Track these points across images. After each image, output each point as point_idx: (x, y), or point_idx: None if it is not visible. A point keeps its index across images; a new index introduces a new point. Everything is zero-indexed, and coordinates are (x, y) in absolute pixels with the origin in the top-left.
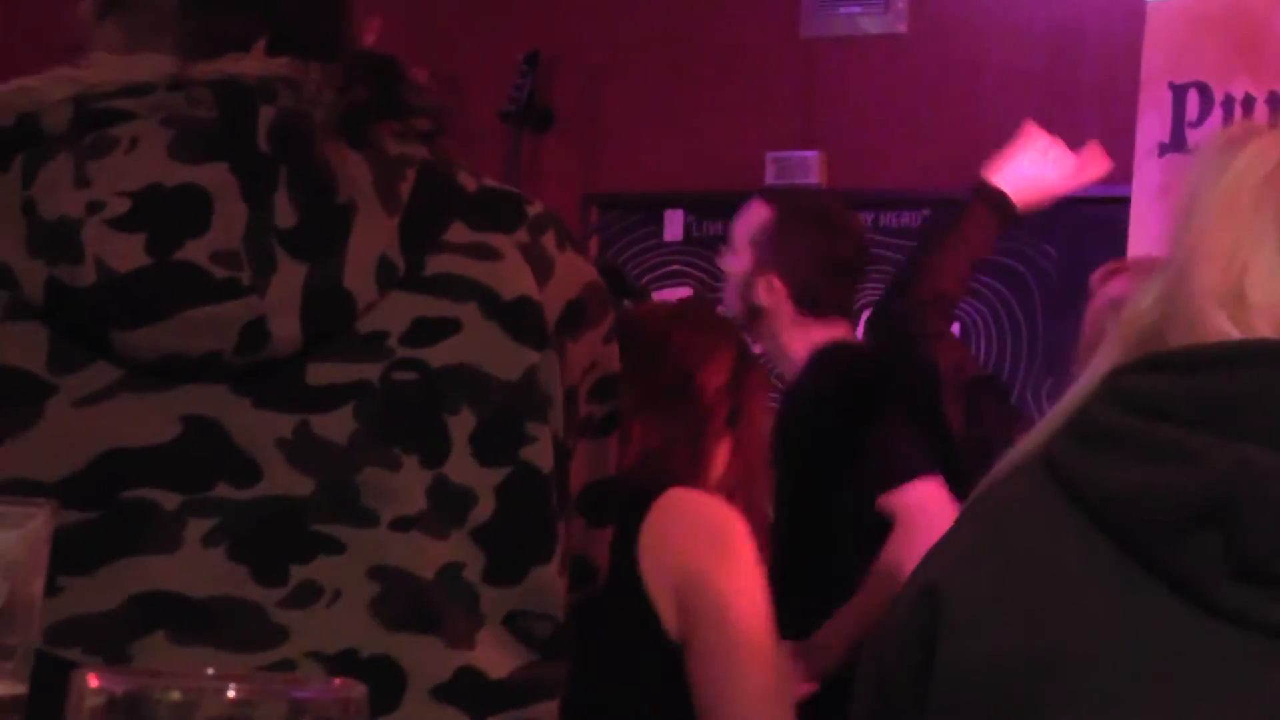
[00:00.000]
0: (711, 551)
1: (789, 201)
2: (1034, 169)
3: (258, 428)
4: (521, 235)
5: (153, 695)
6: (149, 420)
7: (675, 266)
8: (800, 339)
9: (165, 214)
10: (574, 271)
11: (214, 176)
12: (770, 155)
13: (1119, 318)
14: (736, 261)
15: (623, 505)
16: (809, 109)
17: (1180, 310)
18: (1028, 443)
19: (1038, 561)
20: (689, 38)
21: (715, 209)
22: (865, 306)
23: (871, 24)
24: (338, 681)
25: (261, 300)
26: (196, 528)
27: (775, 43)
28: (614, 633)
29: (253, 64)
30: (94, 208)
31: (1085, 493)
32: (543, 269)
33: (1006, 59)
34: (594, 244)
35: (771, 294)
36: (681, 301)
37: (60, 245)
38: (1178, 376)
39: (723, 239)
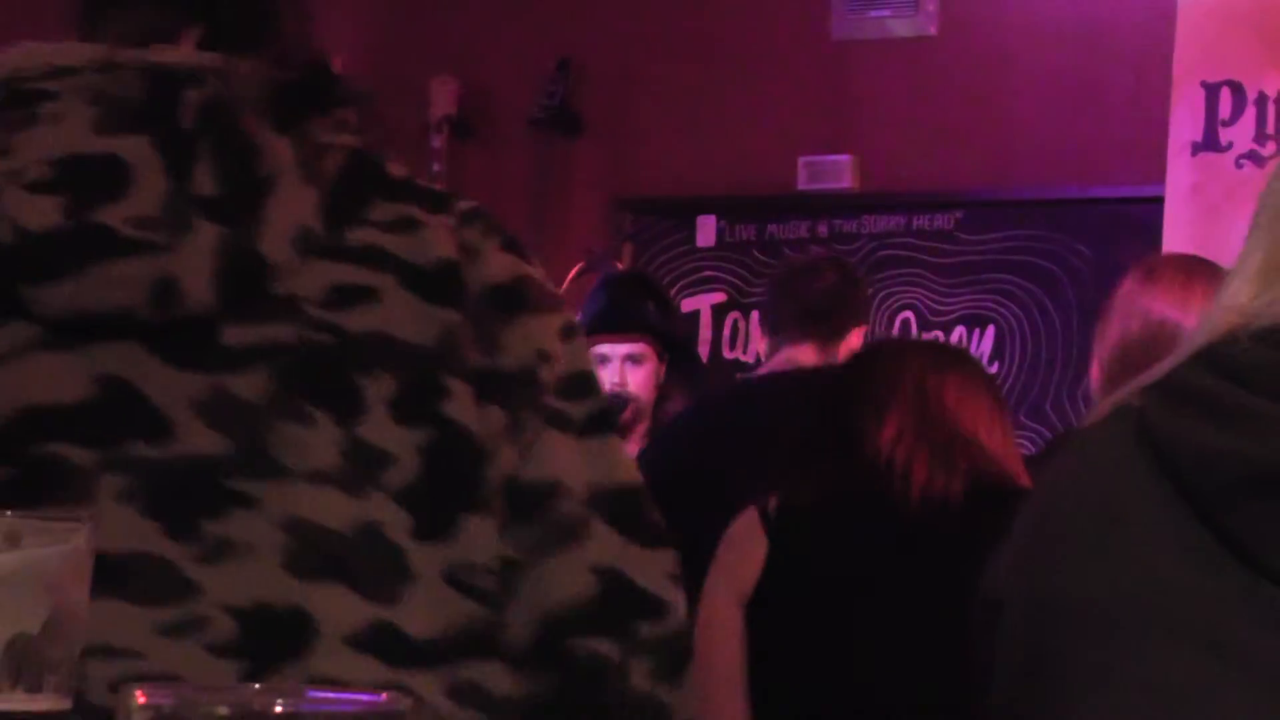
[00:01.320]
0: None
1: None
2: None
3: (172, 386)
4: (446, 219)
5: (199, 710)
6: (64, 378)
7: (708, 272)
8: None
9: (84, 180)
10: (502, 261)
11: (135, 148)
12: (802, 159)
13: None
14: None
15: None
16: (840, 112)
17: None
18: (1128, 391)
19: (1114, 514)
20: (719, 42)
21: (747, 214)
22: (904, 308)
23: (901, 26)
24: (385, 695)
25: (174, 258)
26: (110, 485)
27: (805, 46)
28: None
29: (182, 54)
30: (12, 175)
31: (1159, 446)
32: (465, 250)
33: (1037, 59)
34: (627, 251)
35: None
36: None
37: None
38: (1266, 349)
39: (755, 244)
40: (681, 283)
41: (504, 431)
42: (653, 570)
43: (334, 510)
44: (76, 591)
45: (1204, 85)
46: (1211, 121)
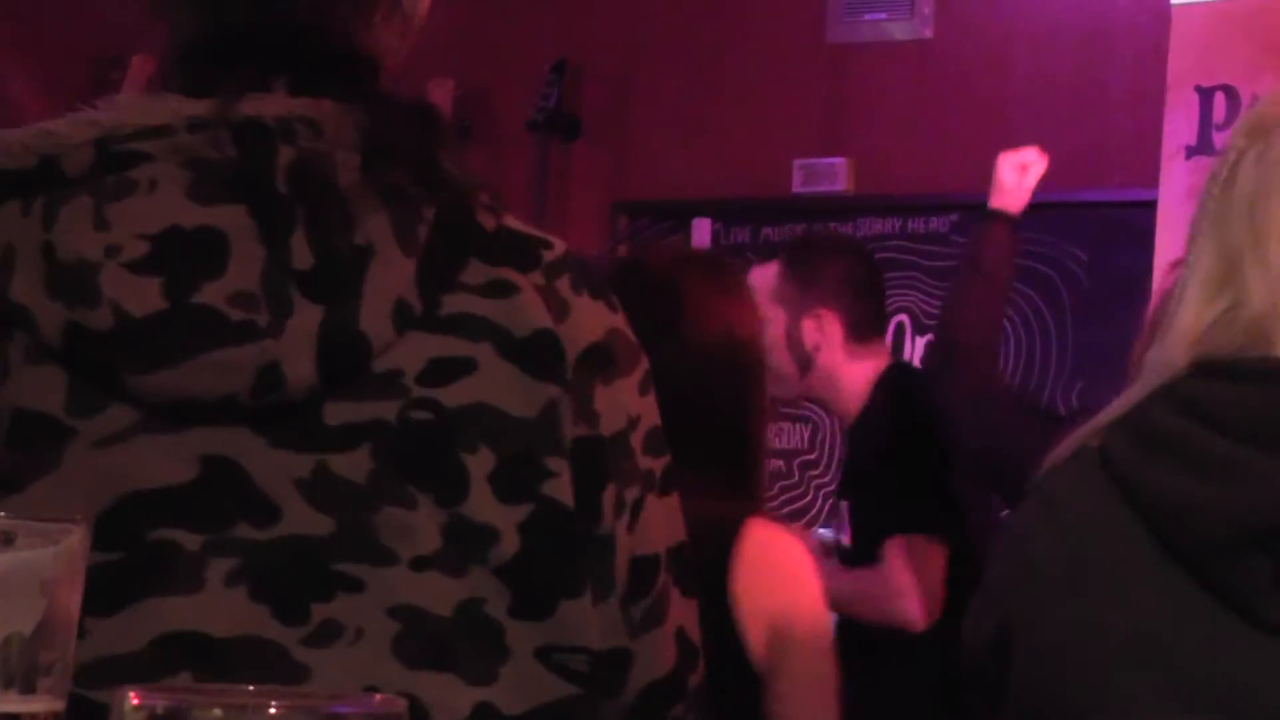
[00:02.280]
0: (796, 587)
1: (790, 245)
2: (1007, 179)
3: (276, 467)
4: (536, 277)
5: (194, 712)
6: (168, 461)
7: None
8: (858, 371)
9: (182, 257)
10: (593, 316)
11: (232, 218)
12: (798, 162)
13: (1169, 319)
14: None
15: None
16: (836, 115)
17: (1268, 315)
18: (1085, 433)
19: (1092, 559)
20: (715, 45)
21: (743, 216)
22: (899, 311)
23: (898, 30)
24: (379, 697)
25: (277, 343)
26: (218, 568)
27: (802, 49)
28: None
29: (272, 104)
30: (112, 251)
31: (1138, 496)
32: (557, 309)
33: (1033, 63)
34: (623, 253)
35: (821, 330)
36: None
37: (78, 288)
38: (1237, 387)
39: (750, 246)
40: None
41: (614, 510)
42: (694, 620)
43: (438, 594)
44: (70, 593)
45: (1198, 90)
46: (1205, 126)
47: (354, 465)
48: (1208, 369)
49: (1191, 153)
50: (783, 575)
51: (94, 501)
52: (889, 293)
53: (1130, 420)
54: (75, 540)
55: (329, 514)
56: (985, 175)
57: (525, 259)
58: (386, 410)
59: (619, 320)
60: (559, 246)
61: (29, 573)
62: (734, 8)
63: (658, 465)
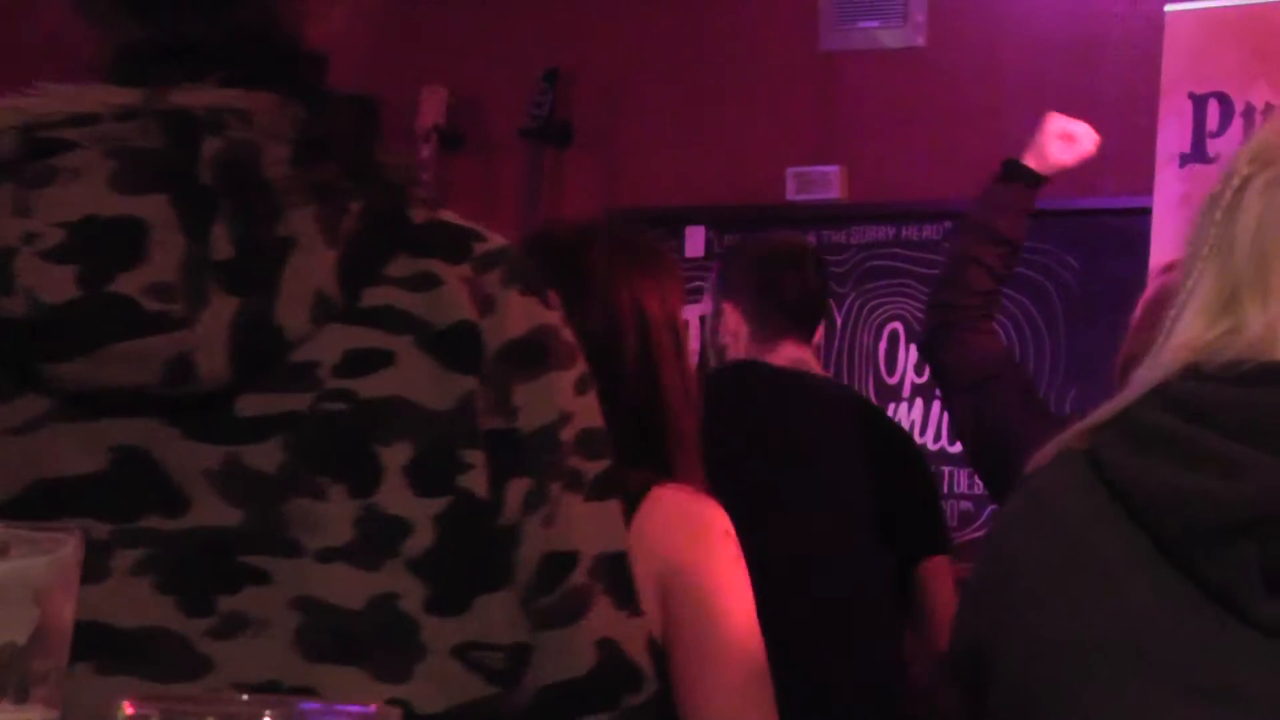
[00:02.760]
0: (694, 547)
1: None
2: (1041, 142)
3: (187, 458)
4: (464, 269)
5: None
6: (79, 451)
7: (697, 283)
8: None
9: (99, 246)
10: (522, 311)
11: (153, 208)
12: (791, 170)
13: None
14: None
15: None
16: (829, 123)
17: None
18: (1068, 437)
19: (1079, 554)
20: (708, 53)
21: (736, 224)
22: (892, 319)
23: (890, 37)
24: (375, 707)
25: (190, 335)
26: (124, 558)
27: (794, 57)
28: None
29: (203, 95)
30: (29, 238)
31: (1126, 490)
32: (483, 303)
33: (1026, 70)
34: None
35: (728, 326)
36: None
37: None
38: (1225, 387)
39: None
40: None
41: (527, 503)
42: (639, 641)
43: (346, 587)
44: (64, 603)
45: (1191, 97)
46: (1199, 133)
47: (265, 457)
48: (1196, 373)
49: (1185, 160)
50: (682, 534)
51: (4, 489)
52: (882, 300)
53: (1118, 421)
54: (69, 549)
55: (239, 505)
56: (979, 183)
57: (455, 251)
58: (300, 402)
59: (553, 317)
60: (495, 240)
61: (22, 582)
62: (727, 16)
63: (591, 468)
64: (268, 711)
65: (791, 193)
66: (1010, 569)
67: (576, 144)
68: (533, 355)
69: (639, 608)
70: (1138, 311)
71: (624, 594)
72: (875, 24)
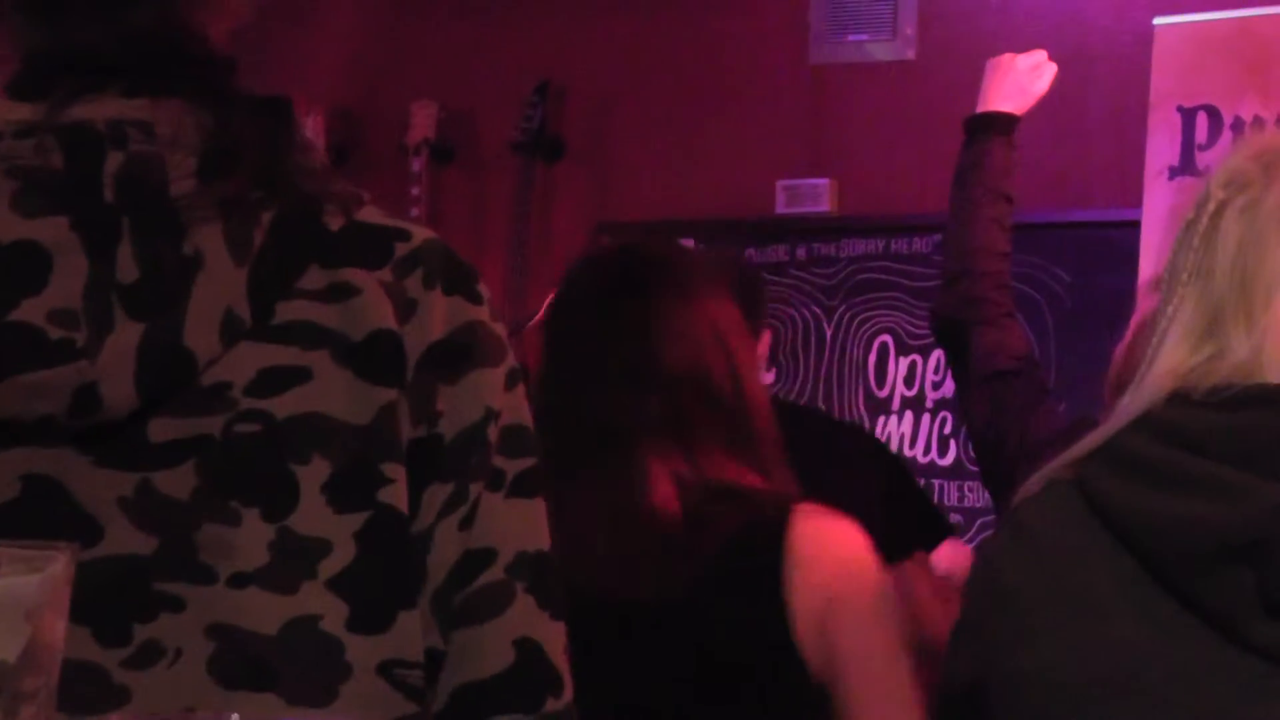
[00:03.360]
0: (850, 577)
1: None
2: (1007, 79)
3: (99, 486)
4: (384, 274)
5: None
6: None
7: None
8: None
9: (1, 272)
10: (445, 311)
11: (54, 231)
12: (781, 183)
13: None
14: None
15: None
16: (819, 136)
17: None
18: (1056, 466)
19: (1071, 587)
20: (698, 66)
21: (726, 237)
22: (882, 331)
23: (880, 51)
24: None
25: (93, 365)
26: None
27: (785, 71)
28: (749, 677)
29: (104, 107)
30: None
31: (1118, 519)
32: (403, 308)
33: None
34: None
35: None
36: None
37: None
38: (1215, 412)
39: None
40: None
41: (444, 507)
42: (558, 644)
43: (261, 613)
44: (54, 620)
45: (1180, 110)
46: (1188, 146)
47: (178, 482)
48: (1183, 399)
49: (1175, 173)
50: (837, 564)
51: None
52: (871, 313)
53: (1107, 449)
54: (59, 567)
55: (152, 533)
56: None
57: (373, 256)
58: (212, 425)
59: (480, 312)
60: (418, 237)
61: (13, 600)
62: (717, 30)
63: (512, 466)
64: None
65: (781, 206)
66: (1000, 605)
67: (567, 157)
68: (455, 356)
69: (562, 611)
70: (1129, 331)
71: (545, 595)
72: (865, 37)
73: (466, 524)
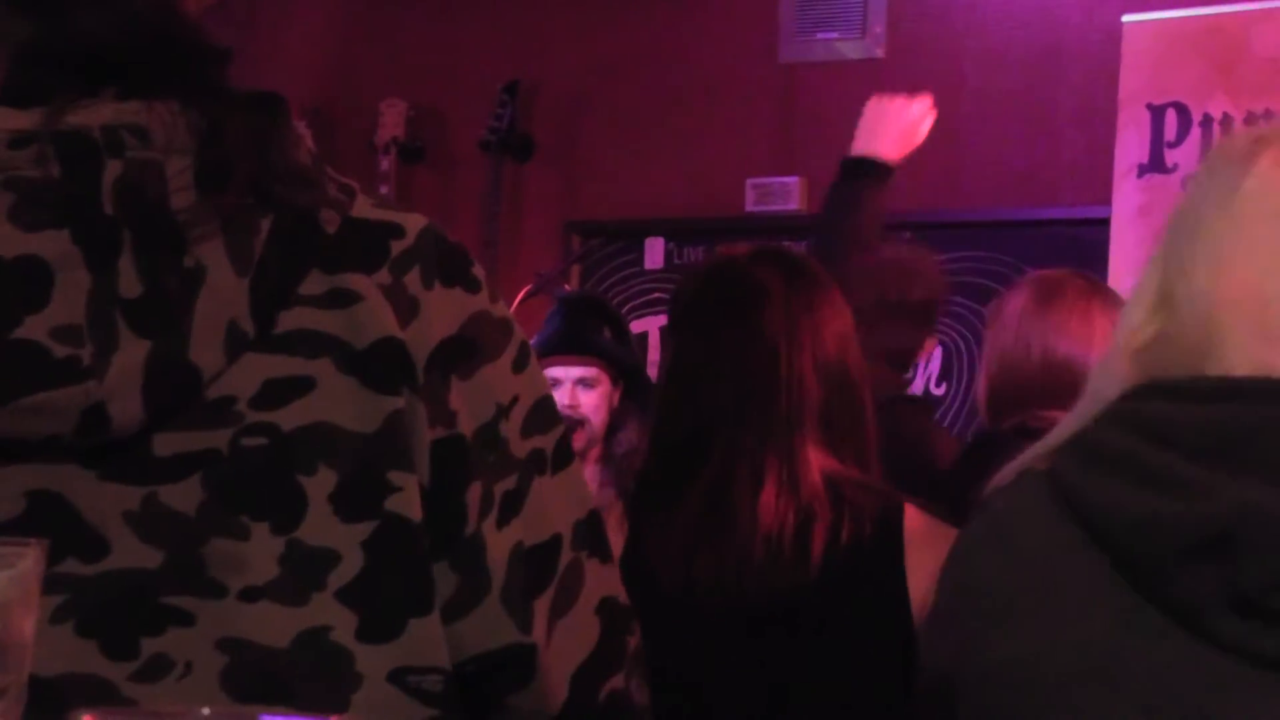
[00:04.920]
0: None
1: None
2: (894, 125)
3: (105, 501)
4: (383, 276)
5: None
6: None
7: (656, 294)
8: None
9: (3, 289)
10: (447, 307)
11: (55, 245)
12: (750, 182)
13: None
14: None
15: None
16: (788, 135)
17: (1203, 338)
18: (1032, 455)
19: (1043, 580)
20: (668, 65)
21: (696, 236)
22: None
23: (850, 49)
24: (335, 717)
25: (100, 385)
26: (44, 605)
27: (754, 69)
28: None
29: (100, 112)
30: None
31: (1088, 513)
32: (405, 310)
33: (984, 82)
34: (576, 272)
35: None
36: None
37: None
38: (1187, 405)
39: None
40: (630, 305)
41: (484, 505)
42: (616, 583)
43: (272, 626)
44: (24, 617)
45: (1150, 108)
46: (1157, 143)
47: (185, 496)
48: (1154, 390)
49: (1144, 170)
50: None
51: None
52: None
53: (1079, 441)
54: (29, 563)
55: (158, 547)
56: (938, 194)
57: (370, 258)
58: (218, 439)
59: (480, 301)
60: (412, 231)
61: None
62: (686, 28)
63: (546, 442)
64: None
65: (751, 204)
66: (972, 598)
67: (537, 156)
68: (464, 352)
69: (609, 554)
70: (1002, 341)
71: (604, 552)
72: (834, 35)
73: (505, 523)
